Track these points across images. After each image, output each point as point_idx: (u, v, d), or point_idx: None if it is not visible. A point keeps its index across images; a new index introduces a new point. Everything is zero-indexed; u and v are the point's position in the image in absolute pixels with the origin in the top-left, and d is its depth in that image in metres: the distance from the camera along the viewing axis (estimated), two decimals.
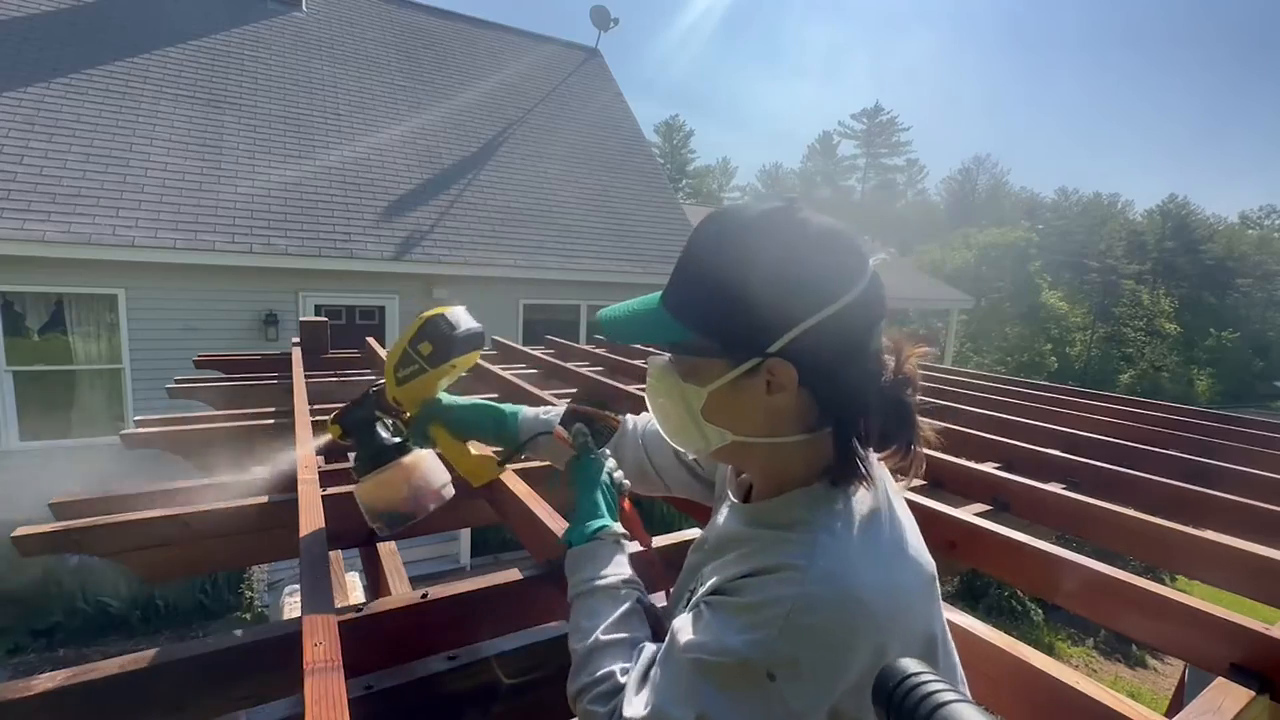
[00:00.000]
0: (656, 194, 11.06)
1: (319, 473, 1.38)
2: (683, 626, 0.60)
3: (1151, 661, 7.53)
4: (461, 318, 0.94)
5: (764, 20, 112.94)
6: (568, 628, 0.73)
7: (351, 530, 1.34)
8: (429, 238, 8.11)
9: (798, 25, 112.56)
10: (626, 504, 0.86)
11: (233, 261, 6.82)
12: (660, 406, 0.70)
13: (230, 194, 7.18)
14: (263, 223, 7.15)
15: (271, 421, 2.03)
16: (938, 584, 0.64)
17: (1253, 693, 0.89)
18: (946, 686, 0.38)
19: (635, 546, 0.87)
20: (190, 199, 6.90)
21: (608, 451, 0.89)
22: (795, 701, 0.53)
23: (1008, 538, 1.24)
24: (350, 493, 1.33)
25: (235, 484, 1.45)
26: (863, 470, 0.62)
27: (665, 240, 10.33)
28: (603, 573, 0.74)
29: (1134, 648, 7.56)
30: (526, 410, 1.00)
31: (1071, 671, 0.87)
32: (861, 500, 0.62)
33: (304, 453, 1.37)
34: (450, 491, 0.97)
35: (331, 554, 1.12)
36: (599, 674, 0.65)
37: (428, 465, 0.95)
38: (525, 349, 3.49)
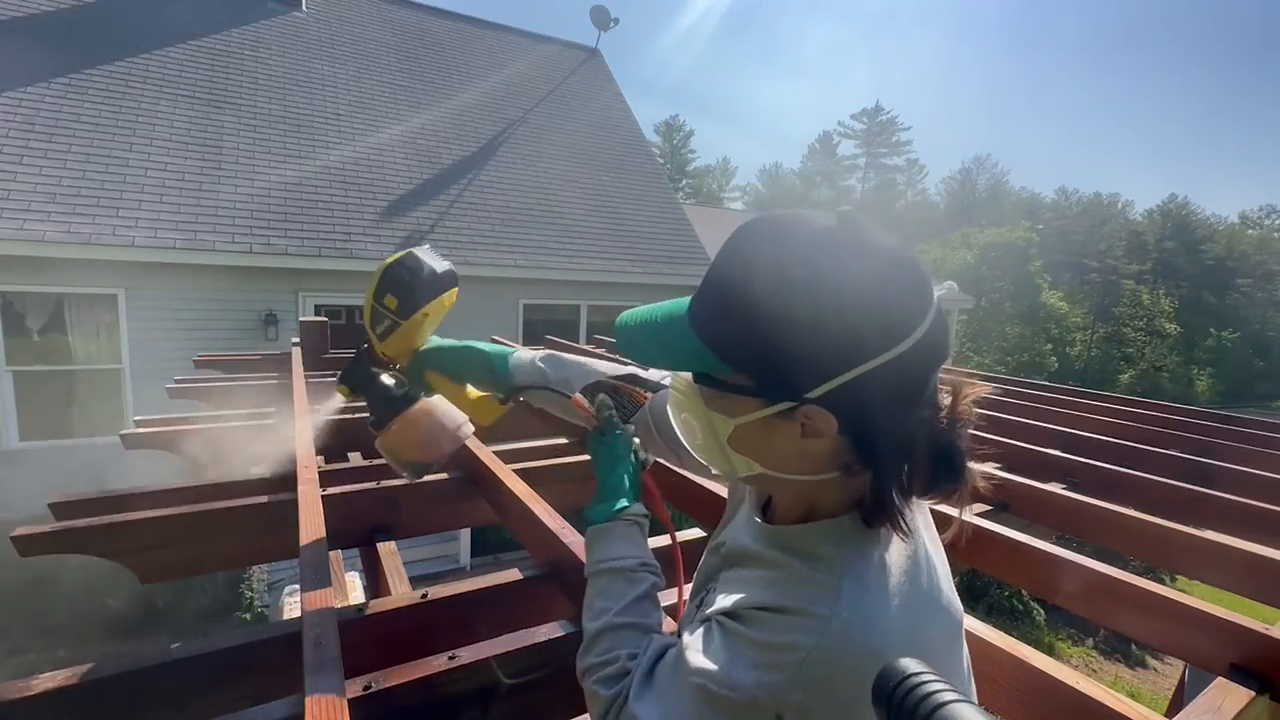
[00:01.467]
0: (656, 194, 11.06)
1: (319, 473, 1.38)
2: (693, 644, 0.58)
3: (1151, 661, 7.52)
4: (424, 260, 0.90)
5: (764, 20, 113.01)
6: (583, 613, 0.73)
7: (351, 530, 1.34)
8: (429, 238, 8.11)
9: (798, 25, 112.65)
10: (648, 479, 0.83)
11: (232, 261, 6.81)
12: (684, 422, 0.65)
13: (230, 194, 7.18)
14: (263, 223, 7.15)
15: (271, 421, 2.03)
16: (964, 629, 0.61)
17: (1253, 693, 0.89)
18: (947, 686, 0.38)
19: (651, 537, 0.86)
20: (190, 199, 6.89)
21: (632, 427, 0.85)
22: None
23: (1008, 538, 1.24)
24: (351, 493, 1.34)
25: (235, 484, 1.45)
26: (899, 520, 0.55)
27: (665, 240, 10.33)
28: (621, 553, 0.73)
29: (1134, 648, 7.55)
30: (522, 355, 0.95)
31: (1071, 671, 0.87)
32: (893, 539, 0.57)
33: (323, 416, 1.36)
34: (469, 430, 0.95)
35: (331, 554, 1.12)
36: (608, 656, 0.65)
37: (439, 410, 0.93)
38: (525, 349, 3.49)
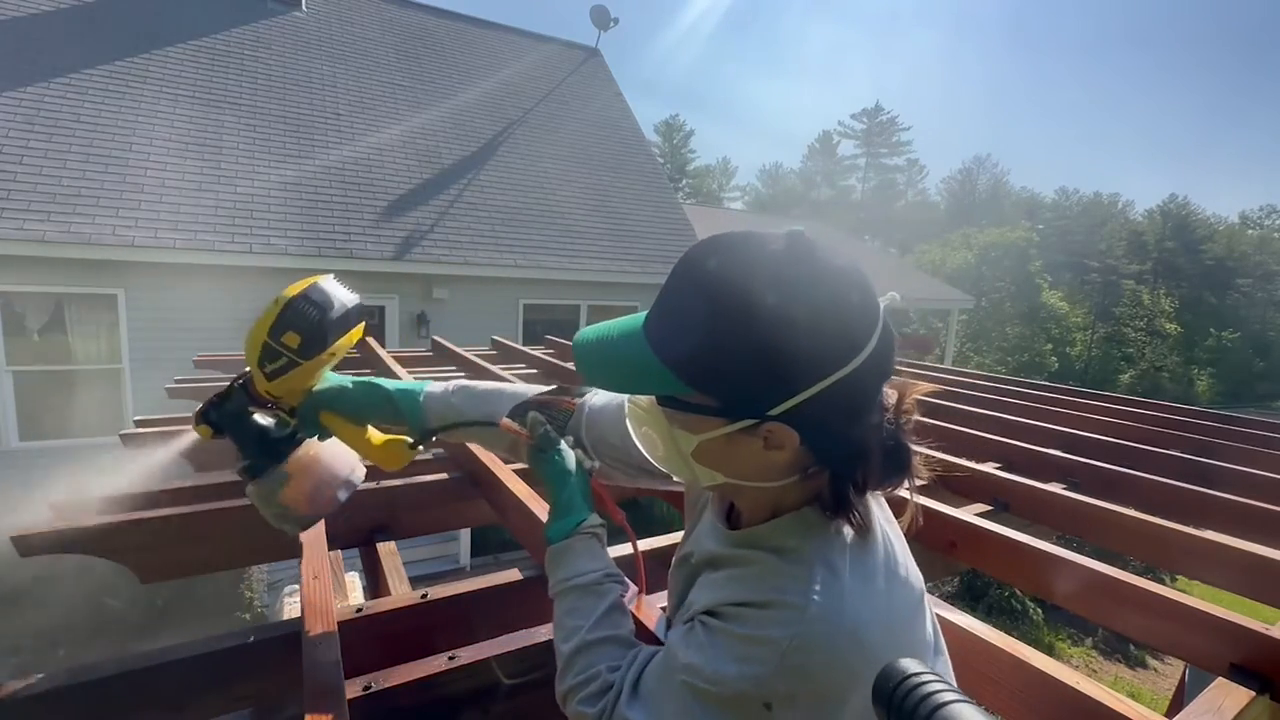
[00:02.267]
0: (656, 194, 11.06)
1: None
2: (678, 642, 0.60)
3: (1151, 662, 7.52)
4: (333, 294, 0.81)
5: (764, 20, 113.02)
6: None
7: (351, 530, 1.34)
8: (429, 238, 8.11)
9: (798, 25, 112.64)
10: (597, 485, 0.82)
11: (232, 261, 6.81)
12: (645, 435, 0.66)
13: (230, 194, 7.18)
14: (262, 223, 7.15)
15: None
16: (926, 595, 0.64)
17: (1253, 693, 0.89)
18: (947, 686, 0.38)
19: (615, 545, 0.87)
20: (190, 199, 6.89)
21: (570, 438, 0.83)
22: None
23: (1008, 538, 1.24)
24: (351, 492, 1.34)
25: (235, 484, 1.45)
26: (856, 516, 0.59)
27: (665, 240, 10.32)
28: (583, 569, 0.74)
29: (1134, 648, 7.55)
30: (432, 389, 0.88)
31: (1071, 671, 0.87)
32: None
33: (164, 458, 1.28)
34: (361, 473, 0.86)
35: (331, 554, 1.12)
36: (587, 674, 0.66)
37: (328, 453, 0.84)
38: (525, 349, 3.49)
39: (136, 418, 2.01)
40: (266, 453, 0.80)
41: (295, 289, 0.78)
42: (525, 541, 1.21)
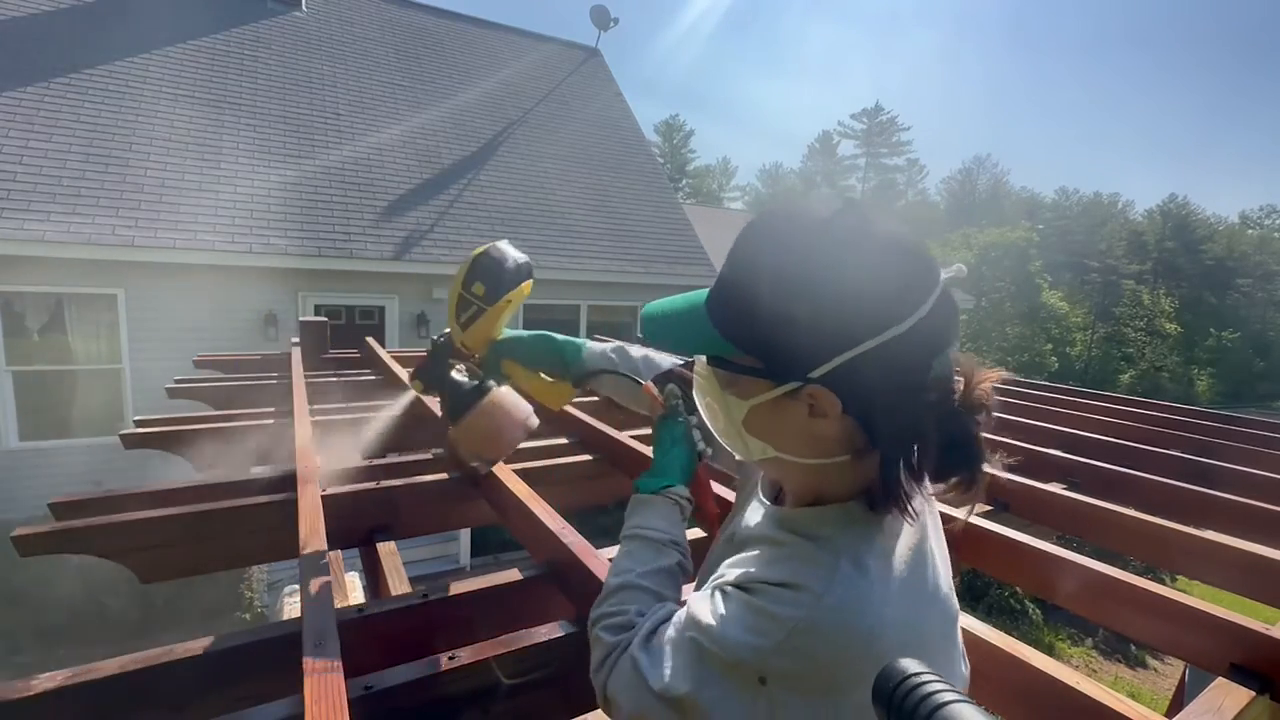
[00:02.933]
0: (656, 194, 11.06)
1: (319, 472, 1.38)
2: (696, 605, 0.61)
3: (1152, 662, 7.53)
4: (508, 251, 0.96)
5: (764, 20, 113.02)
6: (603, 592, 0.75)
7: (351, 530, 1.34)
8: (429, 237, 8.11)
9: (798, 25, 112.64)
10: (702, 471, 0.87)
11: (232, 261, 6.81)
12: (707, 406, 0.68)
13: (230, 194, 7.18)
14: (262, 223, 7.15)
15: (271, 421, 2.03)
16: (959, 628, 0.62)
17: (1253, 693, 0.89)
18: (947, 687, 0.38)
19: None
20: (190, 199, 6.90)
21: (694, 418, 0.87)
22: (782, 711, 0.54)
23: (1008, 538, 1.24)
24: (351, 493, 1.34)
25: (235, 484, 1.45)
26: (905, 504, 0.57)
27: (665, 240, 10.33)
28: (655, 525, 0.77)
29: (1134, 648, 7.55)
30: (592, 345, 1.01)
31: (1071, 671, 0.87)
32: (898, 529, 0.59)
33: (394, 412, 1.41)
34: (535, 421, 1.00)
35: (331, 554, 1.12)
36: (619, 608, 0.69)
37: (509, 400, 0.98)
38: None
39: (136, 418, 2.01)
40: (460, 401, 0.95)
41: (480, 250, 0.95)
42: (525, 541, 1.21)
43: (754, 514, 0.70)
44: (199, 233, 6.70)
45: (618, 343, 1.02)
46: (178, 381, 2.64)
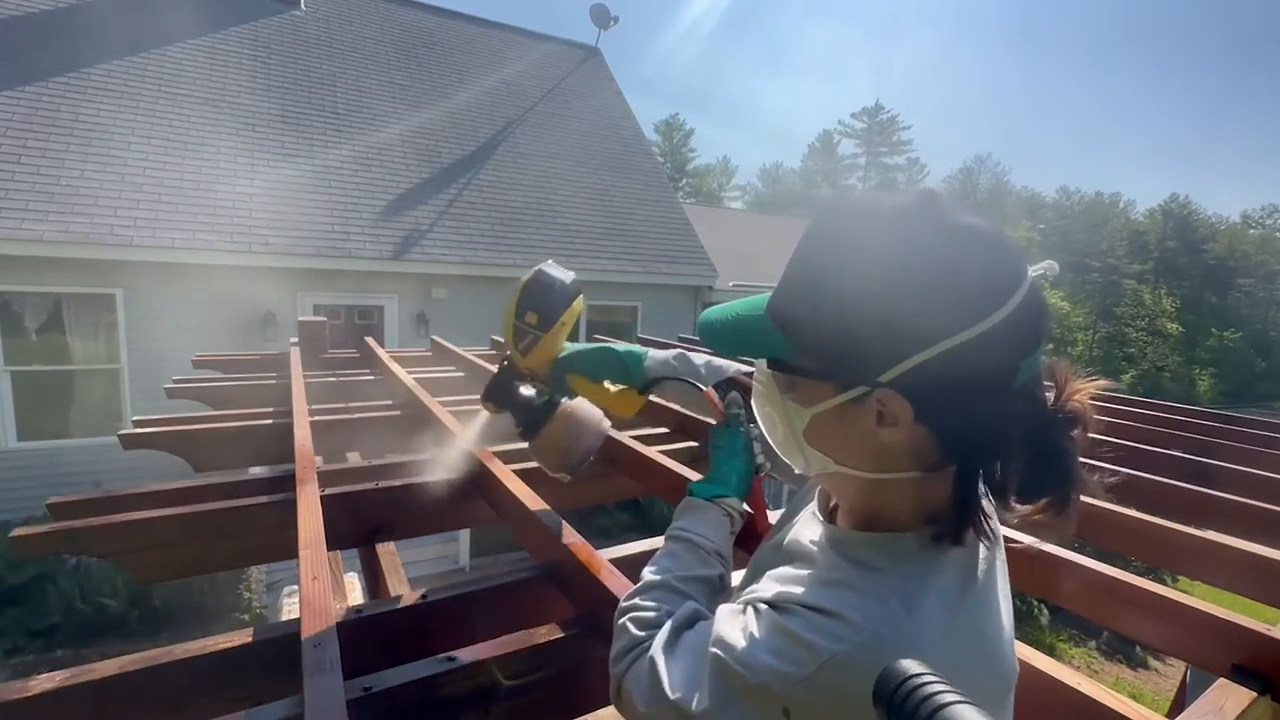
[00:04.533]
0: (656, 193, 11.06)
1: (318, 473, 1.38)
2: (725, 618, 0.58)
3: (1153, 662, 7.52)
4: (554, 274, 0.98)
5: (764, 19, 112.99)
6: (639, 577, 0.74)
7: (351, 530, 1.34)
8: (428, 237, 8.11)
9: (798, 24, 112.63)
10: (758, 487, 0.86)
11: (231, 261, 6.81)
12: (765, 415, 0.63)
13: (229, 194, 7.18)
14: (261, 222, 7.15)
15: (270, 422, 2.02)
16: (1013, 691, 0.55)
17: (1254, 694, 0.89)
18: (948, 688, 0.38)
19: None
20: (189, 199, 6.89)
21: (755, 429, 0.84)
22: None
23: (1008, 538, 1.24)
24: (350, 493, 1.34)
25: (235, 484, 1.45)
26: (980, 527, 0.53)
27: (665, 240, 10.33)
28: (703, 531, 0.76)
29: (1136, 649, 7.56)
30: (655, 353, 1.01)
31: (1072, 672, 0.87)
32: (961, 569, 0.53)
33: (470, 435, 1.42)
34: (608, 424, 1.03)
35: (331, 554, 1.12)
36: (652, 604, 0.68)
37: (581, 411, 1.00)
38: None
39: (135, 418, 2.01)
40: (533, 416, 0.97)
41: (526, 278, 0.96)
42: (525, 541, 1.20)
43: (807, 528, 0.66)
44: (198, 233, 6.70)
45: (679, 349, 1.03)
46: (176, 381, 2.64)
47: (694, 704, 0.55)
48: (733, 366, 0.97)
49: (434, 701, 0.81)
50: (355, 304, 7.92)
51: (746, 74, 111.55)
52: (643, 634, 0.65)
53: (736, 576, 0.80)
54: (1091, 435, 0.54)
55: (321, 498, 1.23)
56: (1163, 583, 1.22)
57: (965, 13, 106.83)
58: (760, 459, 0.85)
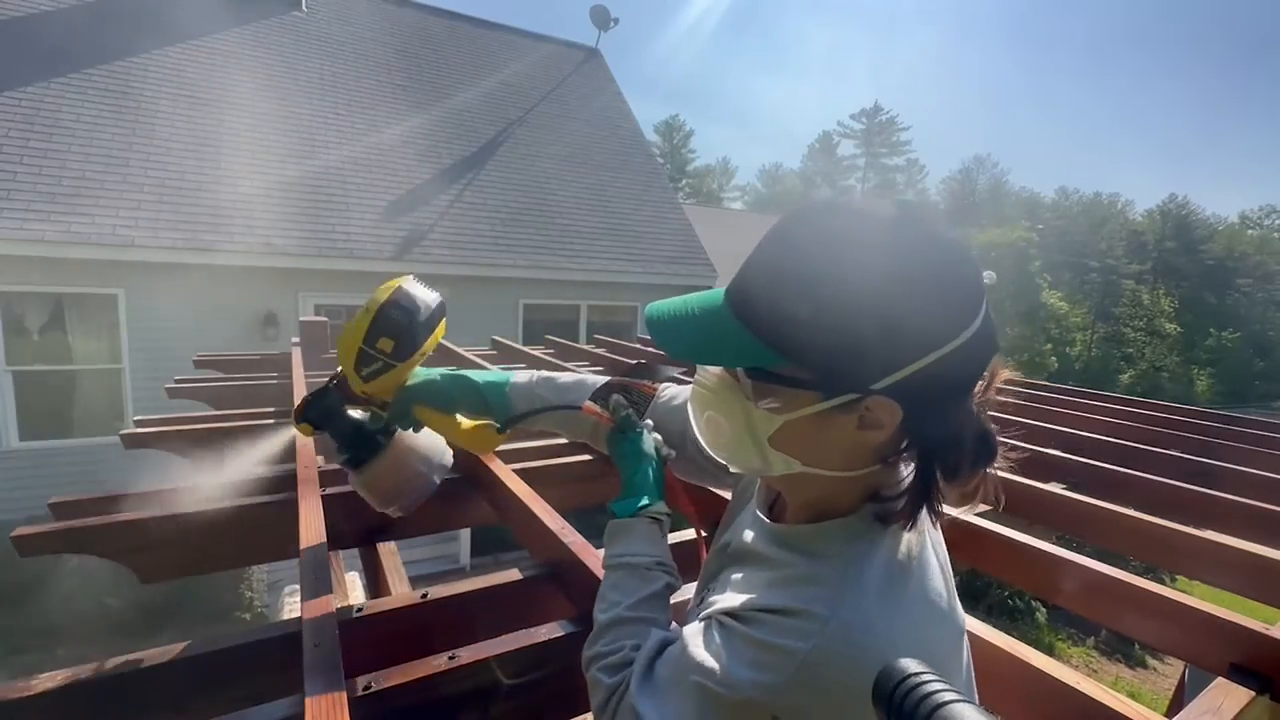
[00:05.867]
0: (656, 194, 11.06)
1: (319, 472, 1.38)
2: (693, 639, 0.58)
3: (1152, 662, 7.53)
4: (419, 296, 0.85)
5: (764, 20, 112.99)
6: (595, 602, 0.73)
7: (351, 530, 1.34)
8: (429, 237, 8.11)
9: (798, 25, 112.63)
10: (670, 476, 0.83)
11: (232, 261, 6.81)
12: (710, 420, 0.62)
13: (230, 194, 7.18)
14: (262, 223, 7.15)
15: (271, 421, 2.03)
16: (966, 638, 0.60)
17: (1253, 693, 0.89)
18: (947, 687, 0.38)
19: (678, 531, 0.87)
20: (190, 199, 6.90)
21: (650, 422, 0.83)
22: None
23: (1008, 538, 1.24)
24: (351, 493, 1.34)
25: (235, 484, 1.45)
26: (933, 509, 0.56)
27: (665, 240, 10.33)
28: (638, 550, 0.74)
29: (1135, 648, 7.56)
30: (517, 379, 0.91)
31: (1071, 671, 0.87)
32: (900, 541, 0.57)
33: (266, 453, 1.33)
34: (450, 457, 0.94)
35: (331, 554, 1.12)
36: (613, 646, 0.67)
37: (421, 445, 0.91)
38: (525, 349, 3.49)
39: (136, 418, 2.01)
40: (364, 445, 0.86)
41: (383, 295, 0.83)
42: (525, 541, 1.21)
43: (749, 527, 0.67)
44: (200, 233, 6.70)
45: (542, 374, 0.93)
46: (178, 381, 2.64)
47: None
48: (600, 379, 0.90)
49: (434, 701, 0.81)
50: (356, 304, 7.88)
51: (746, 75, 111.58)
52: (615, 679, 0.64)
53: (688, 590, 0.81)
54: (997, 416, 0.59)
55: (322, 497, 1.24)
56: (1161, 582, 1.22)
57: (965, 13, 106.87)
58: (665, 450, 0.82)
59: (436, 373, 0.90)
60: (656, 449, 0.82)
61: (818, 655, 0.49)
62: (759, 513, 0.68)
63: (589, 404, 0.83)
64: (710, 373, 0.61)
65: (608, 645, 0.67)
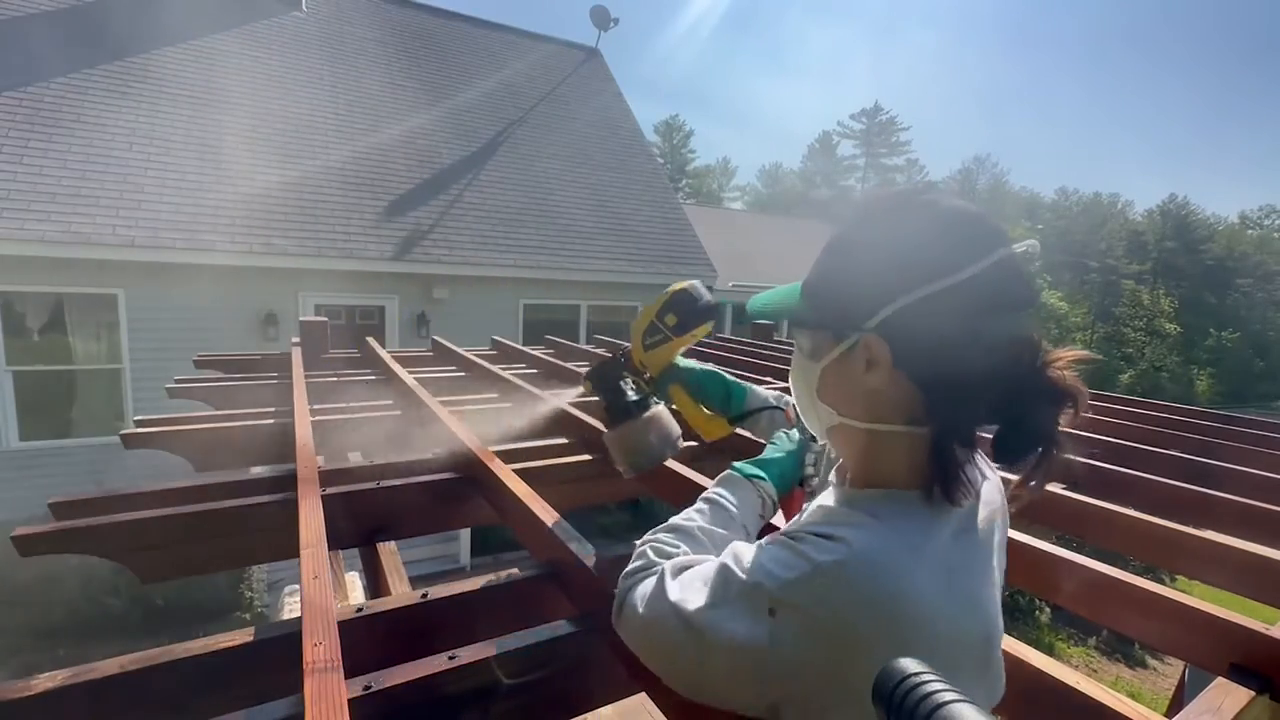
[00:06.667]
0: (656, 194, 11.06)
1: (319, 472, 1.38)
2: (741, 545, 0.64)
3: (1152, 662, 7.53)
4: (701, 292, 1.03)
5: (764, 20, 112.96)
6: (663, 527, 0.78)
7: (351, 530, 1.34)
8: (429, 238, 8.11)
9: (798, 25, 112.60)
10: (799, 494, 0.89)
11: (232, 261, 6.82)
12: (795, 384, 0.73)
13: (230, 194, 7.18)
14: (262, 223, 7.15)
15: (271, 421, 2.03)
16: (995, 649, 0.60)
17: (1253, 693, 0.89)
18: (947, 686, 0.38)
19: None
20: (190, 199, 6.90)
21: (821, 444, 0.89)
22: (778, 645, 0.54)
23: (1008, 537, 1.24)
24: (351, 493, 1.34)
25: (235, 484, 1.45)
26: (958, 478, 0.58)
27: (665, 240, 10.33)
28: (739, 504, 0.80)
29: (1135, 648, 7.56)
30: (755, 387, 1.08)
31: (1071, 671, 0.87)
32: (952, 523, 0.58)
33: (559, 404, 1.49)
34: (680, 443, 1.05)
35: (331, 554, 1.12)
36: (671, 540, 0.73)
37: (663, 420, 1.03)
38: (525, 349, 3.49)
39: (137, 417, 2.01)
40: (620, 410, 1.01)
41: (676, 286, 1.03)
42: (525, 541, 1.21)
43: (826, 497, 0.73)
44: (199, 233, 6.70)
45: (781, 392, 1.09)
46: (178, 381, 2.64)
47: (691, 604, 0.60)
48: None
49: (434, 700, 0.81)
50: (356, 304, 7.93)
51: (746, 75, 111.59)
52: (655, 559, 0.69)
53: None
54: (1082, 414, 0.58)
55: (323, 497, 1.24)
56: (1161, 582, 1.22)
57: (965, 13, 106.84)
58: (810, 470, 0.88)
59: (696, 365, 1.08)
60: (804, 459, 0.90)
61: (833, 569, 0.53)
62: (832, 481, 0.75)
63: (790, 410, 1.00)
64: (795, 350, 0.72)
65: (670, 539, 0.73)
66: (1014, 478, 0.62)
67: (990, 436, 0.61)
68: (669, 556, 0.69)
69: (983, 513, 0.62)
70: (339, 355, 3.16)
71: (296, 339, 3.09)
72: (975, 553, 0.59)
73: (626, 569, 0.71)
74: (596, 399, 1.04)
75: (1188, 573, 1.31)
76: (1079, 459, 1.86)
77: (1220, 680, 0.93)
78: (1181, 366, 30.38)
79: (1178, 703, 4.23)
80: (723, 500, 0.79)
